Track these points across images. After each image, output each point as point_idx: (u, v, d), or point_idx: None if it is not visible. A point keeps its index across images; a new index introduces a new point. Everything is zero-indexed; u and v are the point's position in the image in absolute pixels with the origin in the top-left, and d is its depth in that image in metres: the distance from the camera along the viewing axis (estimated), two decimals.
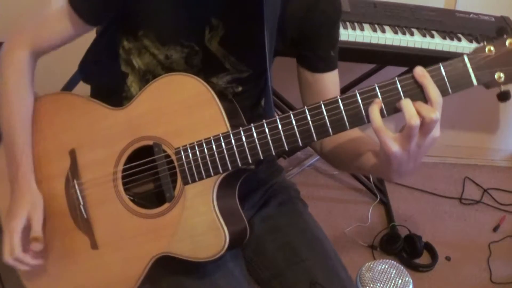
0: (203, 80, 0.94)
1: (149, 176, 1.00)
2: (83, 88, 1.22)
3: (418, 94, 0.80)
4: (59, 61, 1.72)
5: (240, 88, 1.09)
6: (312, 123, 0.86)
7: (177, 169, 0.94)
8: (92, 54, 1.17)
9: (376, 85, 0.82)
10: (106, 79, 1.16)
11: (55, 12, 1.02)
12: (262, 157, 0.90)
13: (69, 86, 1.19)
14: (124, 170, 1.00)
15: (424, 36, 1.86)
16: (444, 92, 0.80)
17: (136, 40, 1.05)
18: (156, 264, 0.97)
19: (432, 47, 1.85)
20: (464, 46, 1.86)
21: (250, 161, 0.90)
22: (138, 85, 1.11)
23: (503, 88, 0.80)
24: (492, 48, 0.79)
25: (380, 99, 0.82)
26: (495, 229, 2.38)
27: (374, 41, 1.83)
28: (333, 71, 1.09)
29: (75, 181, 1.03)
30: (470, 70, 0.79)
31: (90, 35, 1.19)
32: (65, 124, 1.05)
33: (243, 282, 1.07)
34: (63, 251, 1.05)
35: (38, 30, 1.04)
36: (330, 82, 1.09)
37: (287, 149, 0.88)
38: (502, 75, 0.79)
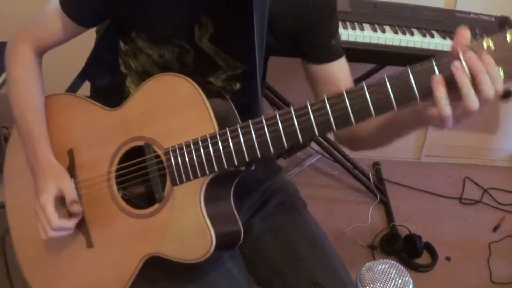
0: (200, 80, 0.94)
1: (141, 177, 0.99)
2: (83, 89, 1.22)
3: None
4: (60, 61, 1.72)
5: (238, 86, 1.08)
6: (298, 124, 0.82)
7: (166, 170, 0.94)
8: (95, 54, 1.18)
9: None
10: (108, 79, 1.17)
11: (51, 12, 1.03)
12: (248, 160, 0.88)
13: (73, 88, 1.20)
14: (117, 170, 1.00)
15: (424, 36, 1.86)
16: None
17: (131, 41, 1.05)
18: (152, 264, 0.97)
19: (432, 47, 1.85)
20: None
21: (236, 163, 0.87)
22: (136, 85, 1.11)
23: (504, 86, 0.74)
24: (491, 44, 0.73)
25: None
26: (495, 229, 2.38)
27: (374, 41, 1.82)
28: (338, 60, 1.05)
29: (72, 181, 1.03)
30: (467, 69, 0.73)
31: (91, 37, 1.20)
32: (64, 125, 1.06)
33: (241, 281, 1.07)
34: (63, 248, 1.05)
35: (37, 30, 1.05)
36: (339, 70, 1.05)
37: (272, 152, 0.85)
38: (501, 72, 0.73)
